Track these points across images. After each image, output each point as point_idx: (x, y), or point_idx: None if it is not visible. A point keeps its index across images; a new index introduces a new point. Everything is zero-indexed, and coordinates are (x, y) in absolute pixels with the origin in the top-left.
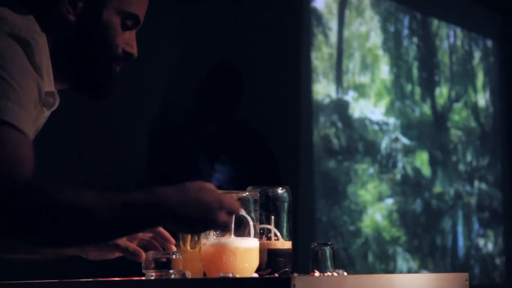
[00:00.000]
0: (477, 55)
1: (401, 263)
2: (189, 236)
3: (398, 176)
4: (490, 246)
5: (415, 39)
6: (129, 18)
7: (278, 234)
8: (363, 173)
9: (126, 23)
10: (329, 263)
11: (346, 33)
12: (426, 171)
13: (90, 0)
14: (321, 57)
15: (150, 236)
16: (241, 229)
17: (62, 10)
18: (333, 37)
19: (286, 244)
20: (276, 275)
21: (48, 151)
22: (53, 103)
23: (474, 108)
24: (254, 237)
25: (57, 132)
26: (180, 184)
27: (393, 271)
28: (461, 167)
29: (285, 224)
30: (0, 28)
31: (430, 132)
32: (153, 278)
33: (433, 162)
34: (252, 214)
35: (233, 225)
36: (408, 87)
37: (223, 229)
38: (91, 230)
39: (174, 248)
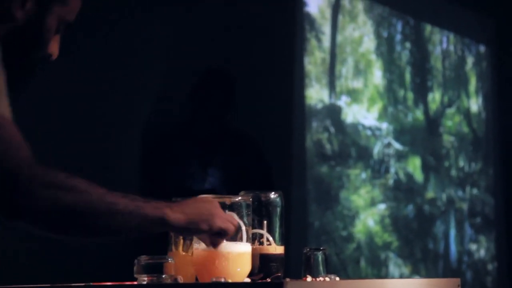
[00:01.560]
0: (469, 60)
1: (393, 268)
2: (182, 240)
3: (391, 182)
4: (482, 252)
5: (408, 44)
6: (64, 25)
7: (271, 239)
8: (356, 178)
9: (60, 28)
10: (321, 268)
11: (339, 38)
12: (419, 176)
13: (40, 4)
14: (314, 62)
15: None
16: (234, 234)
17: (11, 7)
18: (326, 42)
19: (279, 249)
20: (269, 280)
21: (40, 153)
22: None
23: (466, 114)
24: (247, 242)
25: (50, 133)
26: (191, 202)
27: (385, 276)
28: (454, 172)
29: (277, 229)
30: None
31: (423, 138)
32: (145, 282)
33: (425, 168)
34: (245, 219)
35: None
36: (401, 92)
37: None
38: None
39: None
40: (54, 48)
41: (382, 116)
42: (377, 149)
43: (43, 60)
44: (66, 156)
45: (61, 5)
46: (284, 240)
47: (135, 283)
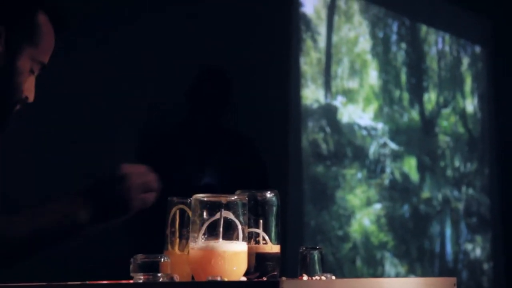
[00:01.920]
0: (465, 61)
1: (389, 268)
2: (178, 239)
3: (386, 181)
4: (478, 251)
5: (403, 45)
6: (38, 66)
7: (267, 238)
8: (352, 178)
9: (33, 69)
10: (317, 267)
11: (334, 38)
12: (414, 176)
13: (9, 47)
14: (309, 62)
15: None
16: (230, 233)
17: None
18: (322, 42)
19: (275, 248)
20: (265, 278)
21: (37, 156)
22: None
23: (462, 114)
24: (243, 240)
25: (50, 133)
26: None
27: (381, 275)
28: (449, 172)
29: (273, 228)
30: None
31: (418, 138)
32: (141, 281)
33: (421, 168)
34: (241, 218)
35: (221, 229)
36: (397, 93)
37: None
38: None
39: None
40: (29, 90)
41: (377, 116)
42: (372, 149)
43: (19, 103)
44: (65, 156)
45: (31, 47)
46: (280, 239)
47: (131, 281)
